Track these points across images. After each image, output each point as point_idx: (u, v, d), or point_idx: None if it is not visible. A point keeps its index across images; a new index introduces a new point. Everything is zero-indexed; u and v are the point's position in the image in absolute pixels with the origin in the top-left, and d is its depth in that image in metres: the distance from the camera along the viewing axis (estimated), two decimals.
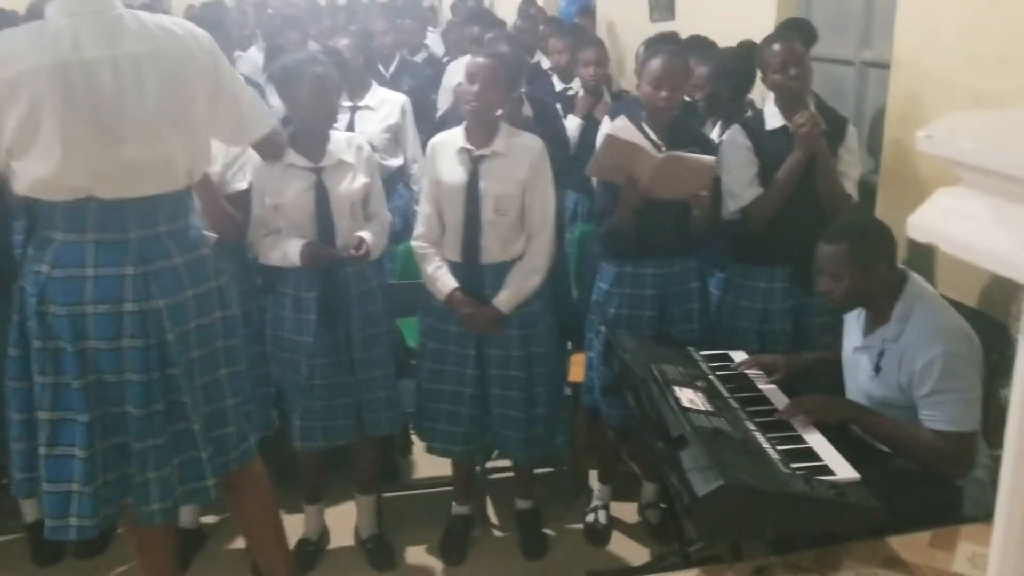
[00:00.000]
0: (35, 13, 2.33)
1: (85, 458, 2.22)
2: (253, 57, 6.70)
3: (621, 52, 6.56)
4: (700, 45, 4.14)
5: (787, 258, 3.07)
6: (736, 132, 3.11)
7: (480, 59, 2.95)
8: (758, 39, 3.31)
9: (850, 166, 3.07)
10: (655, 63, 2.94)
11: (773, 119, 3.06)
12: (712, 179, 2.94)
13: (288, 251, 2.90)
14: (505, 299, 3.01)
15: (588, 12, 6.90)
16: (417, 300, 3.18)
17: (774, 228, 3.03)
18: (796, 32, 3.54)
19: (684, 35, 4.42)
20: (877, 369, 2.50)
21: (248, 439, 2.57)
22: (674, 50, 3.12)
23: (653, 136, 2.93)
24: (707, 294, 3.24)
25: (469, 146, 2.96)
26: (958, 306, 2.58)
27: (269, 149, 2.70)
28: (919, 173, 3.19)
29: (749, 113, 3.40)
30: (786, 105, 3.02)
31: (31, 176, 2.16)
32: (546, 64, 5.48)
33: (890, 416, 2.47)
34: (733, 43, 3.85)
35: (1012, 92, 2.75)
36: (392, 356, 3.16)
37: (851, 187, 3.06)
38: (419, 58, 6.13)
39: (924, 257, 3.09)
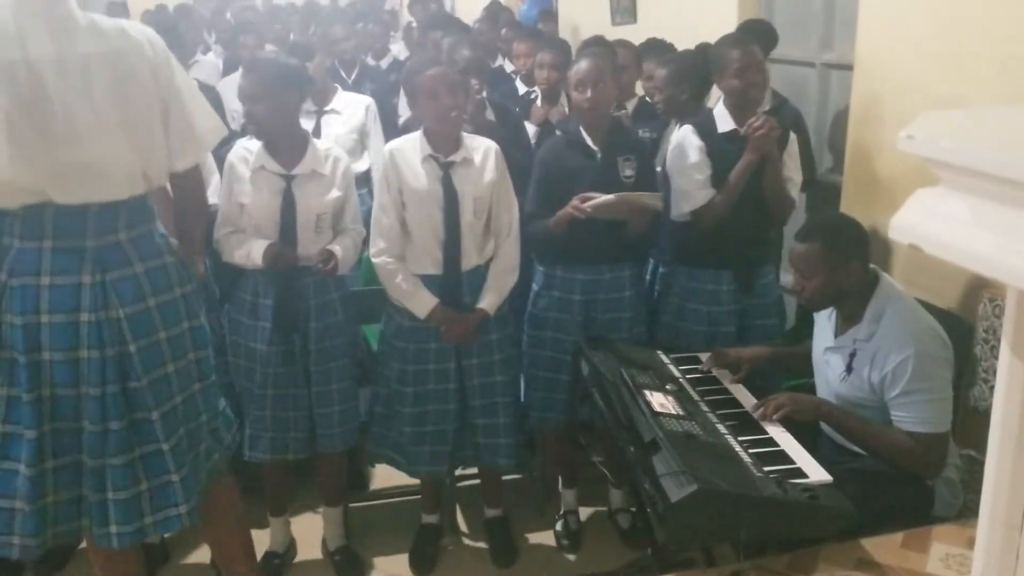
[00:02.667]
0: None
1: (30, 476, 2.15)
2: (211, 62, 6.61)
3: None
4: (658, 48, 4.14)
5: (732, 261, 3.10)
6: (689, 133, 3.10)
7: (436, 70, 2.85)
8: None
9: (793, 171, 3.10)
10: (576, 67, 2.97)
11: (724, 122, 3.07)
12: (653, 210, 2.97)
13: (252, 251, 2.85)
14: (491, 301, 2.98)
15: (550, 16, 6.90)
16: (383, 305, 3.12)
17: (721, 230, 3.05)
18: (756, 35, 3.55)
19: (645, 37, 4.41)
20: (849, 369, 2.49)
21: (213, 456, 2.49)
22: (595, 51, 3.16)
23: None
24: (641, 305, 3.21)
25: (437, 153, 2.91)
26: (926, 306, 2.59)
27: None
28: (882, 173, 3.21)
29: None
30: (738, 108, 3.03)
31: None
32: (510, 68, 5.47)
33: (862, 416, 2.47)
34: (694, 45, 3.84)
35: (973, 94, 2.77)
36: (351, 369, 3.10)
37: (794, 192, 3.09)
38: (384, 63, 6.07)
39: (892, 257, 3.11)
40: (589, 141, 3.01)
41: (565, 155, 3.02)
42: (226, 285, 3.12)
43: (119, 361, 2.18)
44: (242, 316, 2.96)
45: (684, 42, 4.06)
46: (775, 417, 2.44)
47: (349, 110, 4.11)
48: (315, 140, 2.99)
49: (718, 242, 3.07)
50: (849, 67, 3.49)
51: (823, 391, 2.65)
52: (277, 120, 2.85)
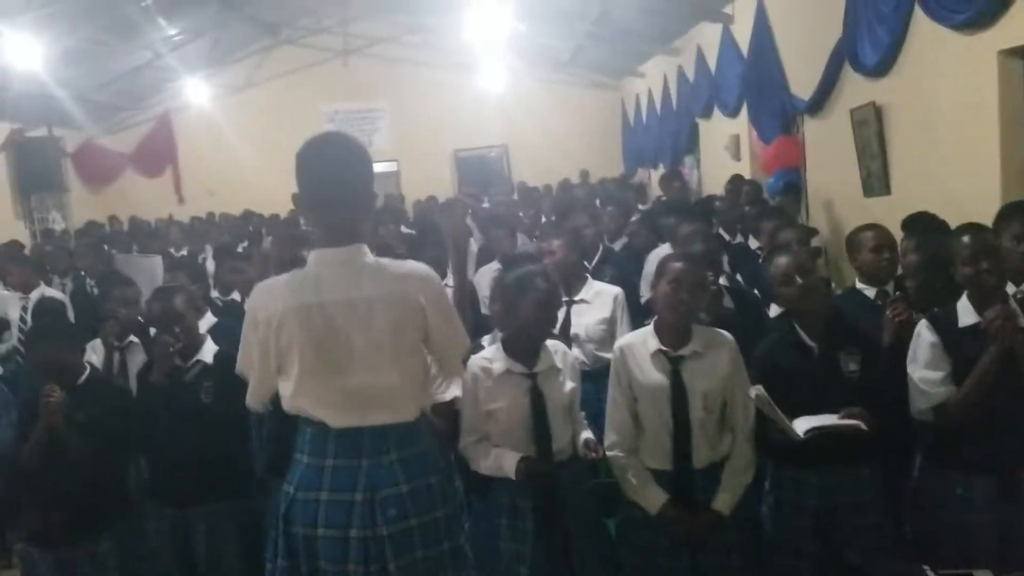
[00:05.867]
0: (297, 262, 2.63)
1: None
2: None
3: (836, 226, 6.29)
4: (921, 223, 3.68)
5: (990, 465, 2.76)
6: (923, 328, 2.89)
7: (679, 264, 2.89)
8: (981, 216, 3.08)
9: None
10: (775, 263, 2.91)
11: (966, 315, 2.83)
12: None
13: (504, 464, 2.87)
14: (725, 500, 2.86)
15: (793, 189, 6.72)
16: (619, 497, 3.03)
17: (974, 429, 2.75)
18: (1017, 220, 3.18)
19: (901, 211, 4.05)
20: None
21: None
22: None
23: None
24: (889, 509, 2.94)
25: (666, 348, 2.89)
26: None
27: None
28: None
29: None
30: (979, 299, 2.77)
31: (284, 396, 2.40)
32: (754, 244, 5.36)
33: None
34: (954, 219, 3.48)
35: None
36: (610, 566, 3.02)
37: None
38: (618, 245, 6.13)
39: None
40: (804, 336, 2.89)
41: (778, 353, 2.93)
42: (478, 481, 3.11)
43: None
44: (501, 519, 2.93)
45: (942, 215, 3.75)
46: None
47: (599, 300, 4.10)
48: None
49: (969, 442, 2.76)
50: None
51: None
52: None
